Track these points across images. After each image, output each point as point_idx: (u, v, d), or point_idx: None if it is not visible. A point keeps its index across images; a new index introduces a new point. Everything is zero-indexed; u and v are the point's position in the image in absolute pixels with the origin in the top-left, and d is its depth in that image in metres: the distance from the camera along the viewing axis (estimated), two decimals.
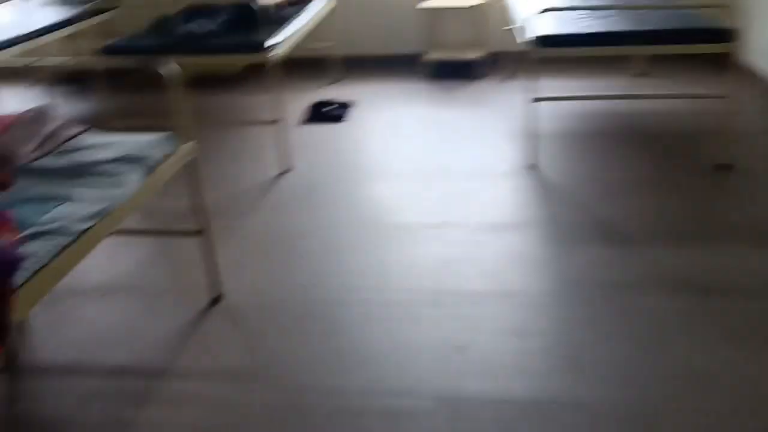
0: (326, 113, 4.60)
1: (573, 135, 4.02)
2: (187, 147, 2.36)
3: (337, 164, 3.85)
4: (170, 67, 2.27)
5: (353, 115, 4.63)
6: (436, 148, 3.99)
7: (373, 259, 2.83)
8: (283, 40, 3.88)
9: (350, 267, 2.79)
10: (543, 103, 3.84)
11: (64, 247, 1.71)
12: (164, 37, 3.66)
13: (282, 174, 3.73)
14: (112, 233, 1.95)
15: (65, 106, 5.02)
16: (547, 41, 3.41)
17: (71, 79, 5.56)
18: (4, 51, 3.94)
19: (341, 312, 2.48)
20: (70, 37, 4.92)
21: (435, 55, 5.38)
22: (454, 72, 5.35)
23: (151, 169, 2.17)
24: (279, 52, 3.70)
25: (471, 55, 5.32)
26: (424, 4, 5.36)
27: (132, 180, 2.07)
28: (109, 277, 2.77)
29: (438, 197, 3.35)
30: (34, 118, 2.36)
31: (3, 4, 5.20)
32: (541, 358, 2.17)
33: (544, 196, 3.28)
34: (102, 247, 2.31)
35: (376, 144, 4.13)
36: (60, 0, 5.42)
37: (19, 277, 1.51)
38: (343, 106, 4.74)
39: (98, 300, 2.63)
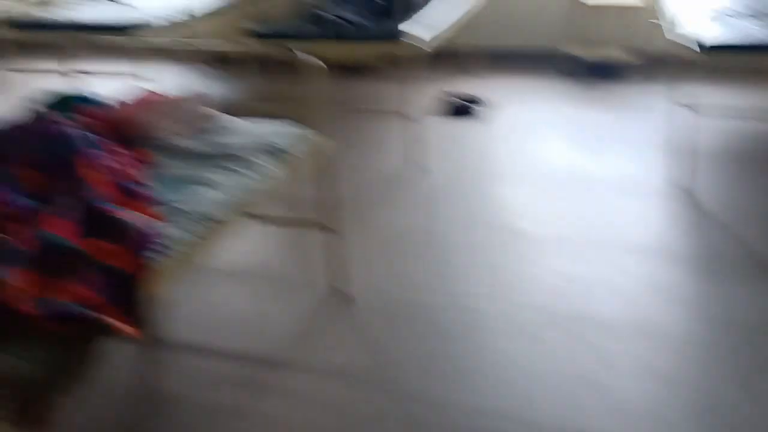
0: (461, 108, 4.48)
1: (737, 156, 3.65)
2: (322, 138, 2.34)
3: (466, 162, 3.74)
4: (309, 56, 2.25)
5: (489, 112, 4.49)
6: (575, 152, 3.77)
7: (495, 266, 2.71)
8: (426, 30, 3.80)
9: (470, 272, 2.69)
10: (703, 116, 3.50)
11: (198, 230, 1.74)
12: (307, 23, 3.69)
13: (410, 168, 3.67)
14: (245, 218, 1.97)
15: (211, 88, 5.23)
16: (714, 47, 3.09)
17: (217, 61, 5.79)
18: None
19: (458, 319, 2.39)
20: (219, 19, 5.12)
21: (581, 53, 5.10)
22: (601, 72, 5.04)
23: (286, 159, 2.17)
24: (420, 43, 3.63)
25: (622, 55, 4.99)
26: None
27: (267, 168, 2.08)
28: (242, 261, 2.83)
29: (571, 207, 3.16)
30: (181, 99, 2.43)
31: None
32: (682, 411, 1.96)
33: (697, 222, 2.99)
34: (236, 231, 2.36)
35: (509, 144, 3.97)
36: None
37: (155, 254, 1.54)
38: (479, 102, 4.61)
39: (230, 282, 2.69)
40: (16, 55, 5.17)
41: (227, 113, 2.45)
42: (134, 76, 3.84)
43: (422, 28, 3.75)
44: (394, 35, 3.50)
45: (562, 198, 3.26)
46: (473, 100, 4.59)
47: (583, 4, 5.15)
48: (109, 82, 3.54)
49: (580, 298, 2.46)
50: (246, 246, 2.93)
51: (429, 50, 3.68)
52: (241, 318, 2.48)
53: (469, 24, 5.15)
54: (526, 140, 3.99)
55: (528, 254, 2.79)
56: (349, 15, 3.86)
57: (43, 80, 3.92)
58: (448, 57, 5.48)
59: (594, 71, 5.03)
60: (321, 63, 2.26)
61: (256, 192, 2.00)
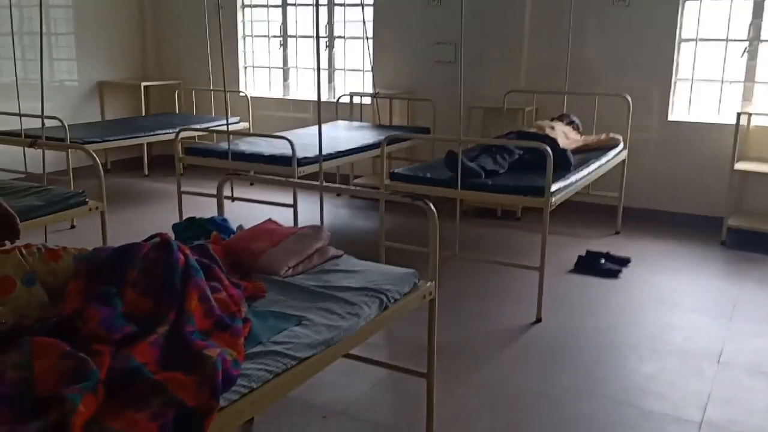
0: (599, 266, 4.28)
1: None
2: (428, 287, 2.32)
3: (597, 325, 3.51)
4: (431, 207, 2.28)
5: (629, 273, 4.25)
6: (722, 330, 3.42)
7: None
8: (566, 186, 3.77)
9: None
10: None
11: (281, 372, 1.74)
12: (449, 171, 3.79)
13: (533, 323, 3.50)
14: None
15: (342, 223, 5.47)
16: None
17: (356, 198, 6.08)
18: (324, 162, 4.47)
19: None
20: (375, 158, 5.44)
21: (739, 222, 4.76)
22: (761, 244, 4.65)
23: (388, 304, 2.16)
24: (557, 199, 3.59)
25: None
26: (741, 165, 4.80)
27: (367, 312, 2.08)
28: (336, 399, 2.79)
29: (710, 391, 2.82)
30: (307, 234, 2.53)
31: (329, 123, 5.99)
32: None
33: None
34: (335, 366, 2.34)
35: (648, 311, 3.70)
36: (373, 125, 6.08)
37: (227, 396, 1.55)
38: (621, 261, 4.38)
39: (319, 421, 2.65)
40: (184, 177, 5.77)
41: (346, 251, 2.52)
42: (280, 205, 4.11)
43: (563, 184, 3.73)
44: (538, 190, 3.50)
45: (700, 378, 2.93)
46: (617, 259, 4.38)
47: (746, 173, 4.87)
48: (255, 210, 3.82)
49: None
50: (343, 382, 2.90)
51: (565, 202, 3.62)
52: None
53: (613, 183, 5.04)
54: (669, 310, 3.70)
55: None
56: (492, 165, 3.94)
57: (200, 204, 4.30)
58: (593, 213, 5.36)
59: (754, 243, 4.65)
60: (435, 217, 2.27)
61: (350, 337, 1.99)
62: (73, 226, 4.90)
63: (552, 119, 5.10)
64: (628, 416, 2.66)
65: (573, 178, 3.94)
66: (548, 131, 4.62)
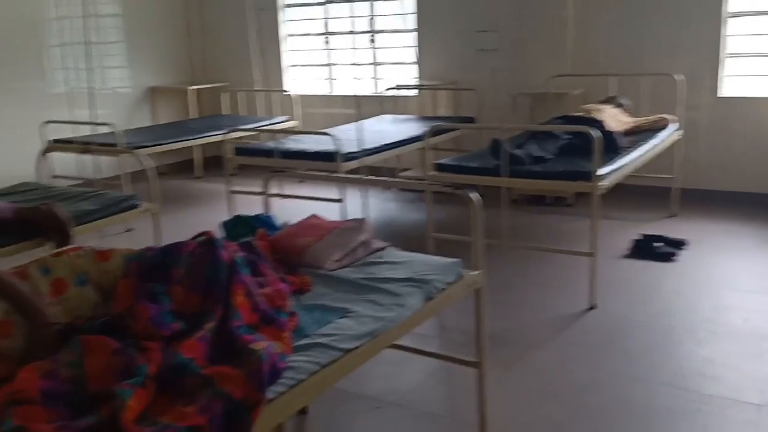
0: (654, 250, 4.17)
1: None
2: (475, 276, 2.30)
3: (653, 309, 3.41)
4: (474, 194, 2.26)
5: (686, 256, 4.12)
6: None
7: None
8: (615, 170, 3.68)
9: None
10: None
11: (328, 364, 1.75)
12: (494, 159, 3.75)
13: (586, 311, 3.44)
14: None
15: (386, 215, 5.47)
16: None
17: (402, 190, 6.07)
18: (369, 158, 4.50)
19: None
20: (421, 150, 5.42)
21: None
22: None
23: (433, 294, 2.15)
24: (607, 183, 3.51)
25: None
26: None
27: (412, 302, 2.07)
28: (388, 390, 2.80)
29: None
30: (351, 227, 2.54)
31: (374, 117, 6.00)
32: None
33: None
34: (386, 357, 2.35)
35: (706, 293, 3.58)
36: (418, 117, 6.06)
37: (275, 388, 1.57)
38: (676, 244, 4.26)
39: (372, 412, 2.66)
40: (236, 177, 5.87)
41: (395, 244, 2.51)
42: (326, 200, 4.13)
43: (612, 168, 3.64)
44: (585, 175, 3.43)
45: (762, 360, 2.82)
46: (672, 242, 4.26)
47: None
48: (303, 207, 3.84)
49: None
50: (395, 373, 2.91)
51: (616, 186, 3.53)
52: None
53: (667, 164, 4.89)
54: (728, 292, 3.57)
55: (714, 425, 2.41)
56: (538, 152, 3.87)
57: (251, 202, 4.37)
58: (647, 195, 5.22)
59: None
60: (481, 205, 2.25)
61: (395, 328, 1.99)
62: (129, 229, 5.05)
63: (600, 102, 4.98)
64: (685, 401, 2.58)
65: (622, 161, 3.85)
66: (595, 114, 4.51)
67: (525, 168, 3.68)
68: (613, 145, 3.95)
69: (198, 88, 7.36)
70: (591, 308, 3.45)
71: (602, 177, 3.46)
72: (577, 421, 2.52)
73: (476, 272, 2.30)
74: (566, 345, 3.11)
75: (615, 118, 4.62)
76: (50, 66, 6.21)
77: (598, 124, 4.10)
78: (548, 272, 3.98)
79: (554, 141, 4.06)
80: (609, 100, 5.00)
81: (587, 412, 2.57)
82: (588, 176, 3.42)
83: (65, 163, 4.87)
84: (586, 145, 3.48)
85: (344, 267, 2.32)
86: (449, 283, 2.22)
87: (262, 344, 1.61)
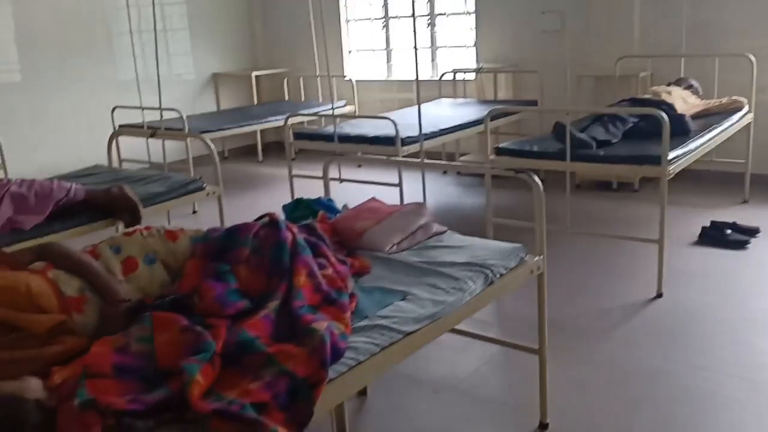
0: (725, 237, 4.01)
1: None
2: (536, 261, 2.26)
3: (723, 299, 3.29)
4: (535, 179, 2.22)
5: (759, 244, 3.95)
6: None
7: (733, 424, 2.29)
8: (684, 154, 3.55)
9: (699, 427, 2.29)
10: None
11: (388, 346, 1.75)
12: (557, 143, 3.67)
13: (653, 299, 3.34)
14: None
15: (448, 199, 5.43)
16: None
17: (461, 174, 6.02)
18: (427, 142, 4.48)
19: None
20: (480, 134, 5.36)
21: None
22: None
23: (494, 279, 2.12)
24: (676, 167, 3.39)
25: None
26: None
27: (472, 287, 2.05)
28: (447, 374, 2.80)
29: None
30: (410, 211, 2.54)
31: (432, 101, 5.96)
32: None
33: None
34: (445, 342, 2.35)
35: None
36: (477, 101, 5.99)
37: (336, 368, 1.58)
38: (748, 232, 4.08)
39: (431, 395, 2.66)
40: (296, 161, 5.94)
41: (453, 228, 2.50)
42: (384, 184, 4.14)
43: (681, 152, 3.52)
44: (654, 159, 3.32)
45: None
46: (744, 230, 4.09)
47: None
48: (362, 191, 3.86)
49: None
50: (454, 358, 2.90)
51: (685, 171, 3.41)
52: None
53: (739, 149, 4.69)
54: None
55: None
56: (604, 135, 3.77)
57: (311, 186, 4.41)
58: (717, 181, 5.03)
59: None
60: (540, 189, 2.21)
61: (455, 312, 1.97)
62: (194, 211, 5.19)
63: (669, 84, 4.80)
64: (753, 393, 2.48)
65: (692, 145, 3.71)
66: (664, 96, 4.36)
67: (590, 152, 3.59)
68: (682, 128, 3.81)
69: (260, 74, 7.47)
70: (657, 297, 3.35)
71: (671, 161, 3.34)
72: (641, 410, 2.46)
73: (538, 257, 2.26)
74: (631, 333, 3.04)
75: (685, 101, 4.46)
76: (120, 53, 6.41)
77: (667, 106, 3.97)
78: (613, 260, 3.88)
79: (621, 124, 3.94)
80: (678, 82, 4.82)
81: (651, 401, 2.51)
82: (656, 160, 3.31)
83: (134, 147, 5.02)
84: (655, 128, 3.37)
85: (403, 250, 2.31)
86: (510, 269, 2.19)
87: (324, 324, 1.62)
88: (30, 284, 1.62)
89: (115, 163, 4.63)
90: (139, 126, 4.79)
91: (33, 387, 1.37)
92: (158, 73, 4.24)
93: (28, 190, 2.85)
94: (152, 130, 4.49)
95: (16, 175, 3.14)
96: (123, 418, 1.29)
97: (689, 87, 4.74)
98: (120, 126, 5.08)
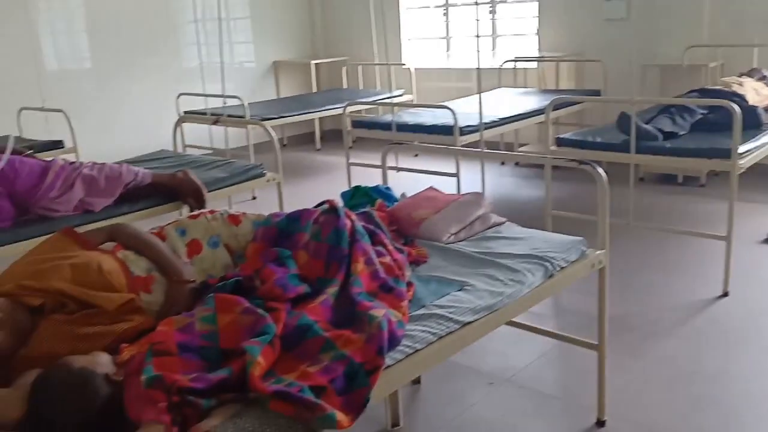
0: None
1: None
2: (598, 255, 2.21)
3: None
4: (599, 170, 2.17)
5: None
6: None
7: None
8: (756, 147, 3.42)
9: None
10: None
11: (444, 335, 1.75)
12: (622, 134, 3.58)
13: (718, 298, 3.23)
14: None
15: (506, 190, 5.36)
16: None
17: (522, 166, 5.93)
18: (486, 131, 4.43)
19: None
20: (540, 125, 5.28)
21: None
22: None
23: (553, 272, 2.09)
24: (747, 161, 3.26)
25: None
26: None
27: (531, 279, 2.03)
28: (502, 367, 2.78)
29: None
30: (469, 201, 2.52)
31: (492, 90, 5.89)
32: None
33: None
34: (501, 334, 2.33)
35: None
36: (538, 90, 5.89)
37: (393, 355, 1.59)
38: None
39: (485, 387, 2.65)
40: (353, 149, 5.97)
41: (511, 220, 2.47)
42: (442, 174, 4.11)
43: (754, 144, 3.38)
44: (723, 153, 3.21)
45: None
46: None
47: None
48: (419, 180, 3.86)
49: None
50: (511, 351, 2.87)
51: (757, 166, 3.28)
52: (488, 425, 2.41)
53: None
54: None
55: None
56: (671, 127, 3.66)
57: (368, 175, 4.43)
58: None
59: None
60: (605, 182, 2.16)
61: (513, 303, 1.95)
62: (254, 197, 5.28)
63: (740, 75, 4.62)
64: None
65: (765, 138, 3.56)
66: (735, 88, 4.19)
67: (657, 144, 3.49)
68: (754, 121, 3.66)
69: (319, 62, 7.52)
70: (723, 295, 3.24)
71: (742, 155, 3.22)
72: (702, 411, 2.39)
73: (600, 251, 2.21)
74: (693, 332, 2.95)
75: (757, 92, 4.27)
76: (184, 42, 6.57)
77: (738, 97, 3.81)
78: (677, 256, 3.77)
79: (689, 116, 3.81)
80: (751, 73, 4.63)
81: (713, 403, 2.43)
82: (726, 154, 3.19)
83: (197, 133, 5.15)
84: (725, 120, 3.25)
85: (461, 240, 2.30)
86: (571, 262, 2.15)
87: (381, 311, 1.63)
88: (101, 263, 1.68)
89: (180, 149, 4.76)
90: (202, 113, 4.90)
91: (103, 362, 1.43)
92: (222, 60, 4.32)
93: (98, 173, 2.96)
94: (215, 117, 4.58)
95: (87, 159, 3.26)
96: (187, 396, 1.33)
97: (762, 78, 4.55)
98: (184, 113, 5.22)
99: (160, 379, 1.35)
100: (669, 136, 3.59)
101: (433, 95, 6.66)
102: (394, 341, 1.59)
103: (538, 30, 6.21)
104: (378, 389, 1.50)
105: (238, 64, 7.20)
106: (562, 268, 2.12)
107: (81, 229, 1.95)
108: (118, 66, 6.20)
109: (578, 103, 5.11)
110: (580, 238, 2.22)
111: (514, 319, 2.17)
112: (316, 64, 7.45)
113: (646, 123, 3.65)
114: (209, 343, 1.49)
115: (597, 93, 5.45)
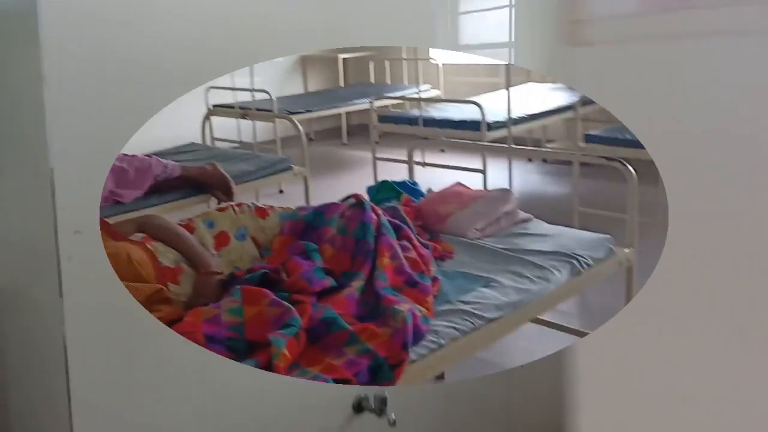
0: None
1: None
2: (627, 253, 2.19)
3: None
4: (629, 168, 2.15)
5: None
6: None
7: None
8: None
9: None
10: None
11: (470, 331, 1.75)
12: None
13: None
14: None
15: (533, 187, 5.32)
16: None
17: (548, 162, 5.87)
18: (514, 127, 4.40)
19: None
20: (569, 121, 5.23)
21: None
22: None
23: (580, 270, 2.08)
24: None
25: None
26: None
27: (557, 277, 2.02)
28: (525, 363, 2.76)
29: None
30: (495, 197, 2.51)
31: (520, 86, 5.85)
32: None
33: None
34: (525, 331, 2.32)
35: None
36: (567, 86, 5.82)
37: (417, 350, 1.59)
38: None
39: None
40: (379, 144, 5.97)
41: (537, 216, 2.46)
42: (468, 169, 4.09)
43: None
44: None
45: None
46: None
47: None
48: (445, 176, 3.85)
49: None
50: (526, 351, 2.84)
51: None
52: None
53: None
54: None
55: None
56: None
57: (394, 170, 4.43)
58: None
59: None
60: (635, 178, 2.14)
61: (539, 301, 1.95)
62: (281, 191, 5.31)
63: None
64: None
65: None
66: None
67: None
68: None
69: (346, 57, 7.53)
70: None
71: None
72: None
73: (629, 250, 2.19)
74: None
75: None
76: None
77: None
78: None
79: None
80: None
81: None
82: None
83: (226, 126, 5.19)
84: None
85: (487, 236, 2.30)
86: (598, 260, 2.13)
87: (406, 306, 1.64)
88: (131, 254, 1.71)
89: (208, 142, 4.80)
90: (231, 106, 4.94)
91: None
92: None
93: (128, 165, 3.00)
94: (244, 111, 4.62)
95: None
96: None
97: None
98: (213, 106, 5.26)
99: None
100: None
101: (460, 90, 6.63)
102: (418, 336, 1.60)
103: None
104: (402, 384, 1.50)
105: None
106: (589, 266, 2.10)
107: (111, 220, 1.98)
108: None
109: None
110: (608, 236, 2.20)
111: (539, 317, 2.16)
112: (343, 58, 7.46)
113: None
114: (236, 334, 1.51)
115: None
